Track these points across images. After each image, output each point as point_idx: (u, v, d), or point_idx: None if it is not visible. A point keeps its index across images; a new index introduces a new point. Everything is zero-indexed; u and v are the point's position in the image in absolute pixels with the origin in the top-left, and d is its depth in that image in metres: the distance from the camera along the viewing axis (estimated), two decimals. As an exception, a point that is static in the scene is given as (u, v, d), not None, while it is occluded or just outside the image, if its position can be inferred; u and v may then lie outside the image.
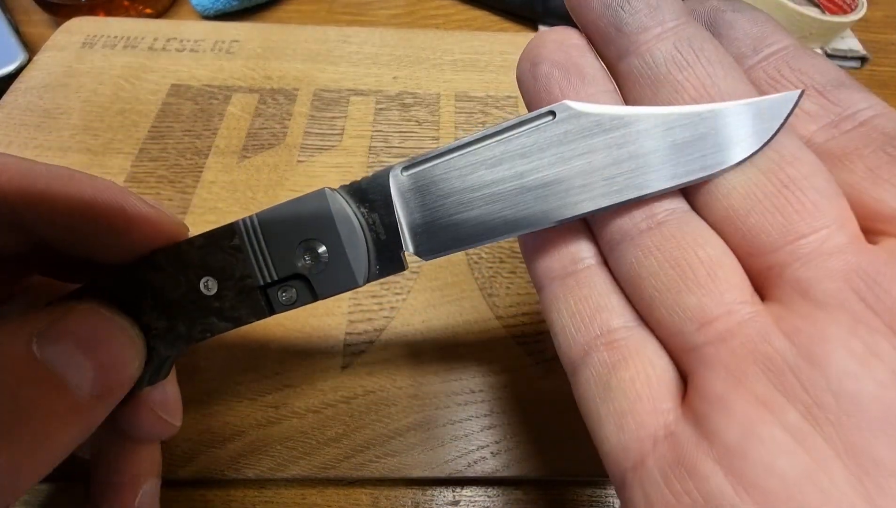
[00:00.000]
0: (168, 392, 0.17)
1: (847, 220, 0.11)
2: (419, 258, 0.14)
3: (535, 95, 0.14)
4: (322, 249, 0.14)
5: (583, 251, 0.14)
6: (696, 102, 0.12)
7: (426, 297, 0.26)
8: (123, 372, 0.13)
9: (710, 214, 0.12)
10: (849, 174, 0.12)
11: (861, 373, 0.10)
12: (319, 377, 0.24)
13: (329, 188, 0.14)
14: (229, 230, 0.14)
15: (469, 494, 0.22)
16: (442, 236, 0.14)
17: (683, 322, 0.12)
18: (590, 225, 0.14)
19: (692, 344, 0.11)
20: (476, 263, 0.27)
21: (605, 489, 0.23)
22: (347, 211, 0.14)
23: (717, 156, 0.12)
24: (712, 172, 0.12)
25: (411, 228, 0.14)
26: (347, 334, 0.25)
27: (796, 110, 0.12)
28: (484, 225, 0.13)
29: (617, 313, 0.13)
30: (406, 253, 0.14)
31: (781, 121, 0.12)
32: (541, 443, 0.22)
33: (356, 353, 0.24)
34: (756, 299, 0.11)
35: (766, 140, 0.12)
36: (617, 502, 0.22)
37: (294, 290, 0.14)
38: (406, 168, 0.14)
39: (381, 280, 0.24)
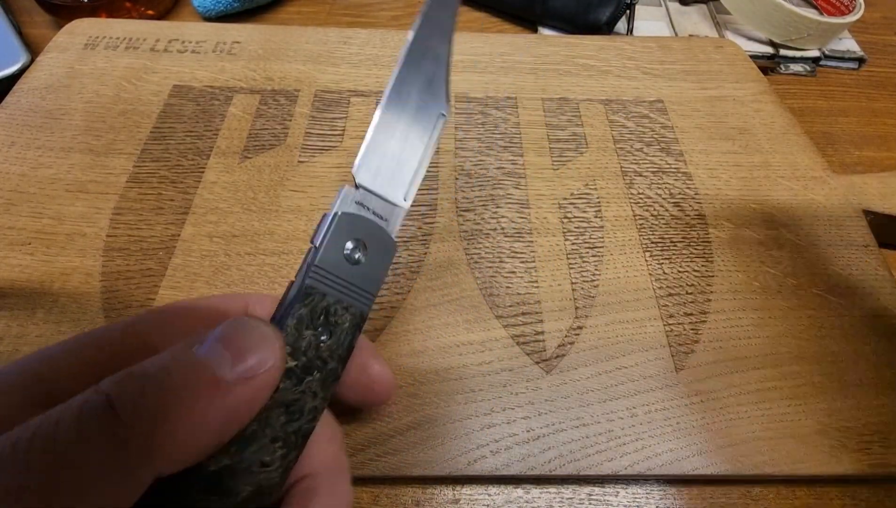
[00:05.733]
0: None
1: None
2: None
3: None
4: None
5: None
6: None
7: (426, 297, 0.26)
8: (258, 361, 0.14)
9: None
10: None
11: None
12: (320, 376, 0.24)
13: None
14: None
15: (469, 492, 0.22)
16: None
17: None
18: None
19: None
20: (476, 263, 0.27)
21: (603, 487, 0.23)
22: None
23: None
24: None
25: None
26: (348, 333, 0.25)
27: None
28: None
29: None
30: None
31: None
32: (540, 442, 0.22)
33: (357, 352, 0.24)
34: None
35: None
36: (616, 500, 0.23)
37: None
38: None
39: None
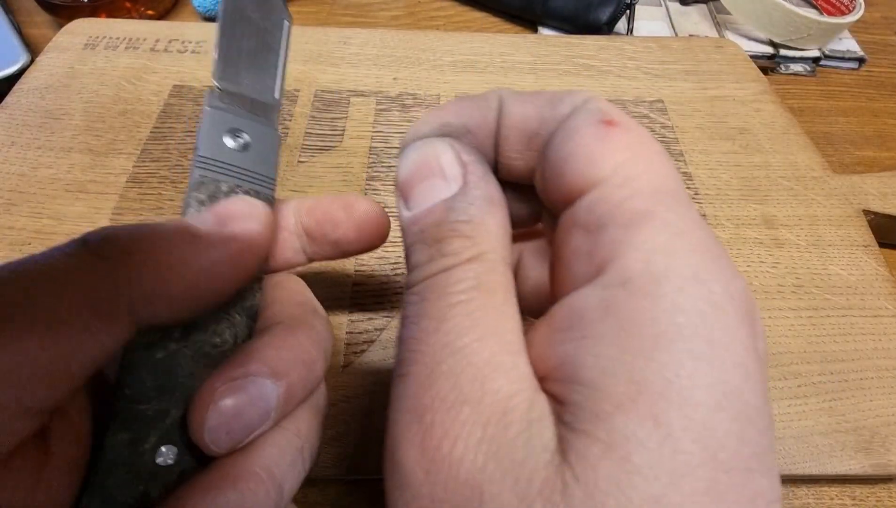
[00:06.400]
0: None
1: None
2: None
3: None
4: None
5: None
6: None
7: (426, 297, 0.26)
8: (241, 227, 0.15)
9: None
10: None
11: None
12: (320, 376, 0.24)
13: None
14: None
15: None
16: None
17: None
18: None
19: None
20: (476, 263, 0.27)
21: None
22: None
23: None
24: None
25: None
26: (348, 333, 0.25)
27: None
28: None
29: None
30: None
31: None
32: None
33: (357, 352, 0.24)
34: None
35: None
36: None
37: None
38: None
39: (383, 281, 0.26)
